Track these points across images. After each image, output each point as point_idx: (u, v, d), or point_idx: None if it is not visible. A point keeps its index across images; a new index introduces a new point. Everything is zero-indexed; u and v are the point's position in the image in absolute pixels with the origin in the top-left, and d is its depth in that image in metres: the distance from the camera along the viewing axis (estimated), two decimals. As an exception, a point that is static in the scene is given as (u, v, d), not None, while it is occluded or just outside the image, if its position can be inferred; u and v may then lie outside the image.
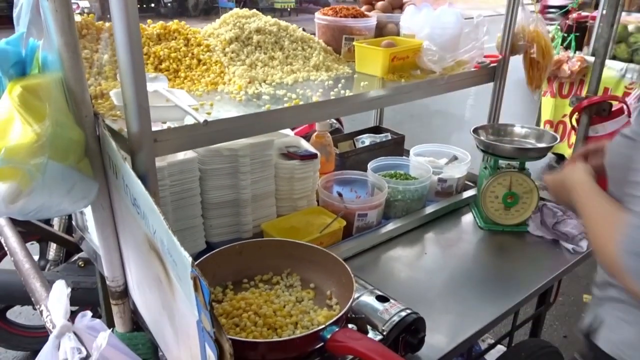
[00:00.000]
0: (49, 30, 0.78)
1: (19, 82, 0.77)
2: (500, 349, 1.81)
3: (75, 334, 0.84)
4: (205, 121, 0.87)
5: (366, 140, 1.89)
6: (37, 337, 2.20)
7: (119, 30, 0.78)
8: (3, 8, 9.68)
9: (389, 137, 1.90)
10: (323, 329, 0.83)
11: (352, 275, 0.96)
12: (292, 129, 1.59)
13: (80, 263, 2.03)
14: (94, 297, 1.66)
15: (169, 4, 12.45)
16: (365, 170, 1.58)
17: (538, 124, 3.97)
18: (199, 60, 1.23)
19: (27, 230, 1.41)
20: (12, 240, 1.10)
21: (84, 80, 0.84)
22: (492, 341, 1.74)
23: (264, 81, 1.23)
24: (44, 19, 0.78)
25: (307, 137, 1.59)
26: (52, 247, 2.15)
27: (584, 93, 1.66)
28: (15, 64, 0.78)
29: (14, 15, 0.86)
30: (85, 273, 2.01)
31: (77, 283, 1.91)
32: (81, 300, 1.88)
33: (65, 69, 0.80)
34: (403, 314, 0.98)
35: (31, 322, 2.37)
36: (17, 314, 2.40)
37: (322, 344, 0.84)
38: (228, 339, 0.60)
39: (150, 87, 0.92)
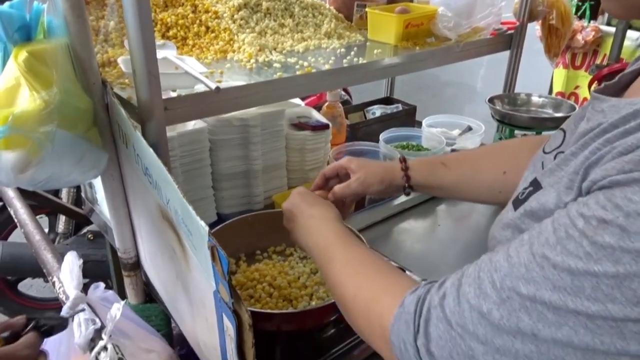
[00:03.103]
0: (53, -8, 0.75)
1: (25, 47, 0.74)
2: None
3: (88, 305, 0.83)
4: (217, 88, 0.84)
5: (377, 111, 1.85)
6: (48, 309, 2.22)
7: (127, -8, 0.74)
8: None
9: (400, 108, 1.86)
10: (340, 300, 0.81)
11: (367, 245, 0.94)
12: (303, 100, 1.55)
13: (89, 236, 2.04)
14: (104, 270, 1.66)
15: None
16: (376, 141, 1.55)
17: (549, 96, 3.90)
18: (207, 28, 1.19)
19: (36, 203, 1.40)
20: (21, 212, 1.09)
21: (91, 46, 0.81)
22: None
23: (274, 49, 1.20)
24: (48, -19, 0.75)
25: (317, 108, 1.56)
26: (61, 221, 2.15)
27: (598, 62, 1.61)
28: (19, 29, 0.75)
29: (17, -23, 0.82)
30: (94, 246, 2.01)
31: (87, 256, 1.91)
32: (91, 273, 1.89)
33: (71, 34, 0.77)
34: (419, 285, 0.97)
35: (43, 295, 2.39)
36: (29, 287, 2.42)
37: (338, 314, 0.82)
38: (247, 310, 0.58)
39: (159, 54, 0.88)
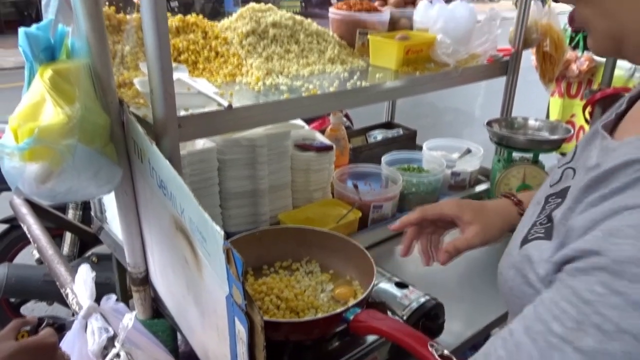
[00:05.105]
0: (77, 15, 0.80)
1: (49, 66, 0.78)
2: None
3: (101, 314, 0.85)
4: (230, 105, 0.88)
5: (378, 135, 1.89)
6: (50, 332, 2.21)
7: (148, 19, 0.79)
8: (11, 13, 9.77)
9: (401, 133, 1.90)
10: (346, 310, 0.84)
11: (372, 260, 0.97)
12: (307, 123, 1.60)
13: (93, 259, 2.05)
14: (108, 291, 1.67)
15: (175, 9, 12.52)
16: (378, 164, 1.59)
17: (546, 124, 3.96)
18: (217, 53, 1.25)
19: (47, 221, 1.43)
20: (34, 227, 1.12)
21: (110, 67, 0.86)
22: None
23: (281, 73, 1.25)
24: (73, 5, 0.80)
25: (321, 132, 1.60)
26: (66, 243, 2.17)
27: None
28: (45, 49, 0.80)
29: (42, 3, 0.88)
30: (98, 268, 2.01)
31: (92, 278, 1.92)
32: (95, 294, 1.89)
33: (92, 55, 0.82)
34: (422, 299, 0.99)
35: (44, 318, 2.38)
36: (31, 310, 2.42)
37: (345, 325, 0.84)
38: (259, 312, 0.61)
39: (173, 76, 0.93)
